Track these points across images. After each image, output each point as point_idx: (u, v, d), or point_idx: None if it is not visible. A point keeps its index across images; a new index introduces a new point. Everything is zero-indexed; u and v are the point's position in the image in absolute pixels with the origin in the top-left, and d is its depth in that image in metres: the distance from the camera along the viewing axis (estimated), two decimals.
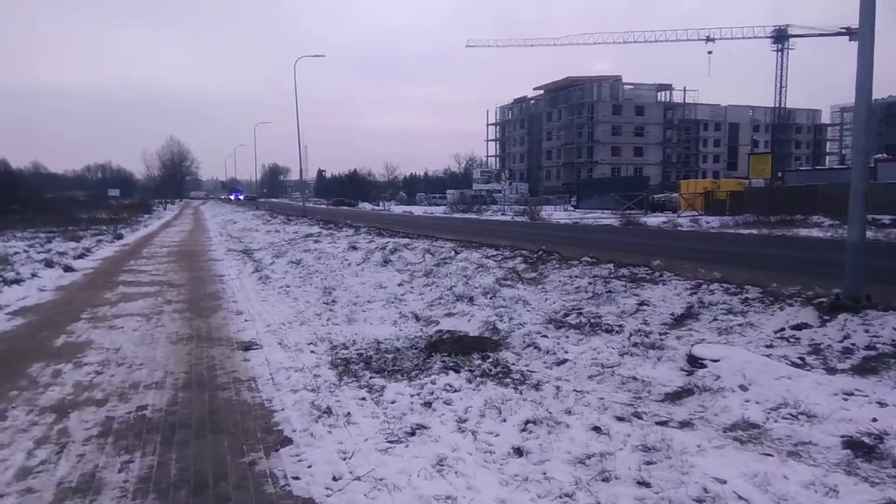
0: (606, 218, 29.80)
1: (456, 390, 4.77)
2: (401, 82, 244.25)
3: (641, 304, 6.85)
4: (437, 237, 16.42)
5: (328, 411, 4.47)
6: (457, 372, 5.22)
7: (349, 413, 4.44)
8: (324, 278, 10.64)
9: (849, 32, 68.21)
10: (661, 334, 5.78)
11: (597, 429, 3.91)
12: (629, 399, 4.48)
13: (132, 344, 6.83)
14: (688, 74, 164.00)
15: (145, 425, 4.45)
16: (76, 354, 6.39)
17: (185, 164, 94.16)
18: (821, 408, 3.96)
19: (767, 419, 3.93)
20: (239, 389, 5.24)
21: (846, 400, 4.07)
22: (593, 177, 71.36)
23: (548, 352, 5.63)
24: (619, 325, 6.12)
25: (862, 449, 3.44)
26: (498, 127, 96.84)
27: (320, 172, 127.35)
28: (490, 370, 5.25)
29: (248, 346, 6.60)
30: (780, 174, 47.71)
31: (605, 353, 5.37)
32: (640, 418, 4.09)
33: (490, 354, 5.63)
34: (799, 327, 5.59)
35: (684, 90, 78.66)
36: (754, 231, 19.96)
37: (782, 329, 5.63)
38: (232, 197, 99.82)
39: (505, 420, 4.17)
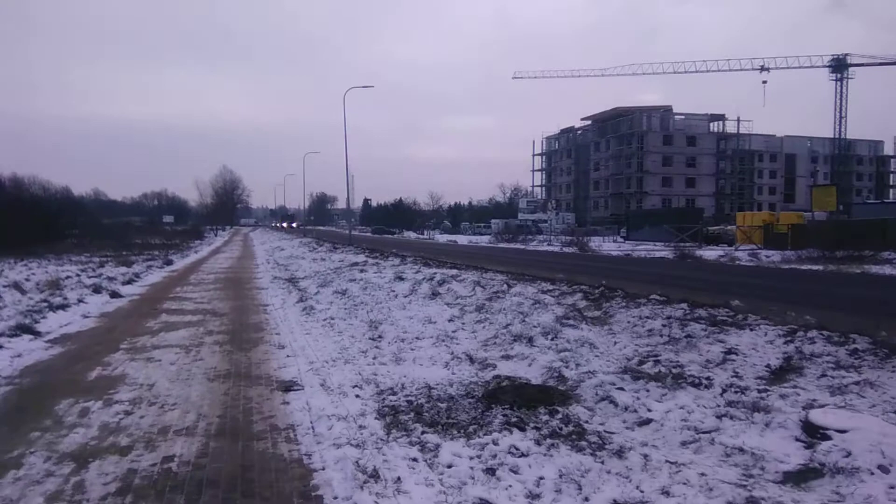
0: (659, 250, 28.49)
1: (523, 454, 4.07)
2: (447, 113, 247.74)
3: (728, 352, 5.99)
4: (485, 268, 15.79)
5: (375, 475, 3.84)
6: (521, 430, 4.52)
7: (399, 478, 3.80)
8: (369, 311, 10.11)
9: None
10: (760, 391, 4.93)
11: None
12: (738, 477, 3.68)
13: (167, 380, 6.39)
14: (741, 104, 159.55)
15: (169, 482, 3.91)
16: (108, 391, 5.98)
17: (236, 192, 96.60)
18: None
19: None
20: (276, 440, 4.68)
21: None
22: (643, 207, 69.48)
23: (626, 408, 4.87)
24: (707, 378, 5.30)
25: None
26: (544, 157, 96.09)
27: (366, 201, 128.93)
28: (560, 429, 4.53)
29: (288, 387, 6.07)
30: (841, 207, 45.26)
31: (697, 414, 4.58)
32: None
33: (558, 409, 4.91)
34: None
35: (738, 120, 76.38)
36: (821, 267, 18.55)
37: None
38: (284, 225, 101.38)
39: (587, 499, 3.45)
